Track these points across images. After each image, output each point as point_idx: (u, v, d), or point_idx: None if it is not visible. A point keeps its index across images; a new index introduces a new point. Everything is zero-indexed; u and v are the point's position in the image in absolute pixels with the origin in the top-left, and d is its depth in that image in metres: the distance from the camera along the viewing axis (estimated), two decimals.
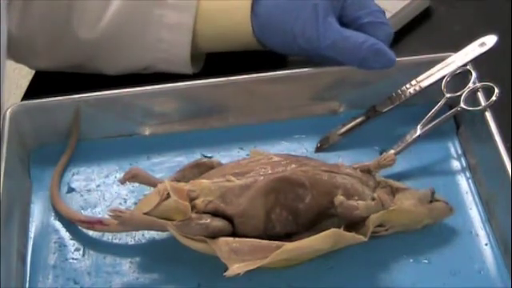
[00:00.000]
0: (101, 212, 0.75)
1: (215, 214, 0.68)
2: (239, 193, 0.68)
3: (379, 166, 0.72)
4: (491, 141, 0.72)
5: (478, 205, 0.73)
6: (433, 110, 0.76)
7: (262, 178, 0.69)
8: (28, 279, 0.71)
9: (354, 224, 0.69)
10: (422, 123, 0.75)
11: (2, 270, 0.68)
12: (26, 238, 0.74)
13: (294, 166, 0.70)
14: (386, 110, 0.78)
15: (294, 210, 0.68)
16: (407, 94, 0.78)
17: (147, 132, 0.81)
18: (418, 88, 0.77)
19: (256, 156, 0.73)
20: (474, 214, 0.73)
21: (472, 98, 0.75)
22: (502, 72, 0.84)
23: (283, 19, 0.79)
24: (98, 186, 0.77)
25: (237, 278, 0.66)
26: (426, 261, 0.70)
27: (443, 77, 0.77)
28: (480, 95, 0.75)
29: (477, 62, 0.77)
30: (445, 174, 0.76)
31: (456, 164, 0.76)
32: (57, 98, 0.79)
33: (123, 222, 0.70)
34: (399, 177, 0.74)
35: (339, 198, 0.68)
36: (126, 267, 0.71)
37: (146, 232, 0.73)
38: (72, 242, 0.73)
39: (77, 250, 0.73)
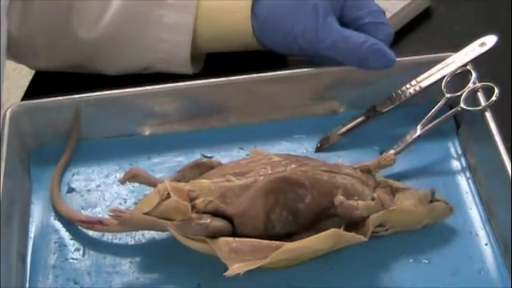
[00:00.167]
0: (101, 212, 0.75)
1: (215, 213, 0.68)
2: (239, 193, 0.68)
3: (379, 165, 0.72)
4: (491, 141, 0.72)
5: (478, 205, 0.73)
6: (433, 110, 0.76)
7: (262, 178, 0.69)
8: (28, 279, 0.71)
9: (354, 224, 0.69)
10: (422, 123, 0.75)
11: (2, 270, 0.68)
12: (25, 238, 0.74)
13: (293, 166, 0.70)
14: (386, 110, 0.78)
15: (294, 210, 0.68)
16: (407, 94, 0.78)
17: (147, 132, 0.81)
18: (418, 88, 0.77)
19: (256, 156, 0.73)
20: (474, 213, 0.73)
21: (472, 98, 0.75)
22: (502, 72, 0.84)
23: (283, 19, 0.79)
24: (98, 186, 0.77)
25: (237, 278, 0.66)
26: (426, 261, 0.70)
27: (443, 77, 0.77)
28: (480, 95, 0.75)
29: (477, 62, 0.77)
30: (445, 174, 0.76)
31: (456, 164, 0.76)
32: (57, 98, 0.79)
33: (123, 221, 0.70)
34: (399, 177, 0.74)
35: (339, 198, 0.68)
36: (126, 267, 0.71)
37: (146, 232, 0.73)
38: (72, 241, 0.73)
39: (77, 249, 0.73)
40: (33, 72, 0.90)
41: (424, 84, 0.77)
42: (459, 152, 0.77)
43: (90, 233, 0.73)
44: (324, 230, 0.67)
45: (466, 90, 0.76)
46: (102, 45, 0.83)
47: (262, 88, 0.79)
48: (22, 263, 0.72)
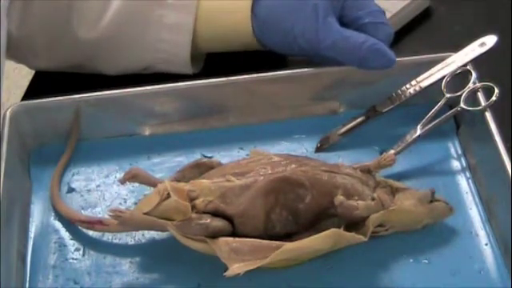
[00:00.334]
0: (101, 212, 0.75)
1: (215, 213, 0.68)
2: (239, 193, 0.68)
3: (379, 165, 0.72)
4: (491, 141, 0.72)
5: (478, 205, 0.73)
6: (433, 110, 0.76)
7: (262, 178, 0.69)
8: (28, 279, 0.71)
9: (354, 224, 0.69)
10: (422, 123, 0.75)
11: (2, 270, 0.68)
12: (25, 238, 0.74)
13: (293, 166, 0.70)
14: (386, 110, 0.78)
15: (294, 210, 0.68)
16: (407, 94, 0.78)
17: (147, 132, 0.81)
18: (418, 88, 0.77)
19: (256, 156, 0.73)
20: (474, 213, 0.73)
21: (472, 98, 0.75)
22: (502, 72, 0.84)
23: (283, 19, 0.79)
24: (98, 186, 0.77)
25: (237, 278, 0.66)
26: (426, 261, 0.70)
27: (443, 77, 0.77)
28: (480, 95, 0.75)
29: (477, 62, 0.77)
30: (445, 173, 0.76)
31: (456, 164, 0.76)
32: (57, 98, 0.79)
33: (123, 221, 0.70)
34: (399, 177, 0.74)
35: (339, 198, 0.68)
36: (126, 267, 0.71)
37: (146, 232, 0.73)
38: (72, 241, 0.73)
39: (77, 249, 0.73)
40: (33, 72, 0.90)
41: (424, 84, 0.77)
42: (459, 152, 0.77)
43: (90, 233, 0.73)
44: (324, 230, 0.67)
45: (466, 89, 0.76)
46: (102, 45, 0.83)
47: (262, 88, 0.79)
48: (22, 263, 0.72)
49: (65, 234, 0.74)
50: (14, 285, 0.70)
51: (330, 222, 0.69)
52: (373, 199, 0.69)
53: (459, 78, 0.77)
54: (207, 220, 0.68)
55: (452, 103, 0.76)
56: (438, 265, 0.70)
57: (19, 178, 0.77)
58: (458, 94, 0.76)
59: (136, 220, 0.70)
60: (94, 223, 0.72)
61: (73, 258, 0.72)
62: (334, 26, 0.78)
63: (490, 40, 0.78)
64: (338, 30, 0.78)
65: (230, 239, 0.67)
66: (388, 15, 0.84)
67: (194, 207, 0.69)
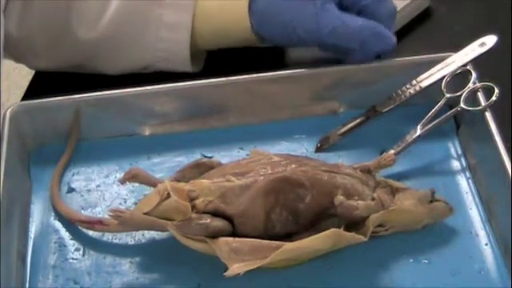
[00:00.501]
0: (101, 212, 0.75)
1: (215, 213, 0.68)
2: (239, 193, 0.68)
3: (379, 165, 0.72)
4: (491, 141, 0.72)
5: (478, 205, 0.73)
6: (433, 110, 0.76)
7: (262, 178, 0.69)
8: (28, 279, 0.71)
9: (354, 224, 0.69)
10: (422, 123, 0.75)
11: (2, 270, 0.68)
12: (25, 238, 0.74)
13: (293, 166, 0.70)
14: (386, 110, 0.78)
15: (294, 210, 0.68)
16: (407, 94, 0.78)
17: (147, 132, 0.81)
18: (418, 88, 0.77)
19: (256, 156, 0.73)
20: (474, 213, 0.73)
21: (472, 98, 0.75)
22: (502, 72, 0.84)
23: (282, 11, 0.78)
24: (98, 186, 0.77)
25: (237, 278, 0.66)
26: (426, 261, 0.70)
27: (443, 77, 0.77)
28: (480, 95, 0.75)
29: (477, 62, 0.77)
30: (445, 173, 0.76)
31: (456, 164, 0.76)
32: (57, 98, 0.79)
33: (123, 221, 0.70)
34: (399, 177, 0.74)
35: (339, 198, 0.68)
36: (126, 267, 0.71)
37: (146, 232, 0.73)
38: (72, 241, 0.73)
39: (77, 249, 0.73)
40: (33, 72, 0.90)
41: (424, 84, 0.77)
42: (459, 152, 0.77)
43: (90, 233, 0.73)
44: (324, 230, 0.67)
45: (466, 90, 0.76)
46: (102, 45, 0.83)
47: (262, 88, 0.79)
48: (22, 263, 0.72)
49: (65, 234, 0.74)
50: (14, 285, 0.70)
51: (330, 222, 0.69)
52: (373, 199, 0.69)
53: (459, 78, 0.77)
54: (207, 220, 0.68)
55: (452, 103, 0.76)
56: (437, 265, 0.70)
57: (19, 178, 0.77)
58: (458, 94, 0.76)
59: (136, 220, 0.70)
60: (93, 223, 0.72)
61: (73, 258, 0.72)
62: (332, 12, 0.77)
63: (490, 40, 0.78)
64: (338, 16, 0.77)
65: (230, 239, 0.67)
66: None
67: (194, 207, 0.69)
